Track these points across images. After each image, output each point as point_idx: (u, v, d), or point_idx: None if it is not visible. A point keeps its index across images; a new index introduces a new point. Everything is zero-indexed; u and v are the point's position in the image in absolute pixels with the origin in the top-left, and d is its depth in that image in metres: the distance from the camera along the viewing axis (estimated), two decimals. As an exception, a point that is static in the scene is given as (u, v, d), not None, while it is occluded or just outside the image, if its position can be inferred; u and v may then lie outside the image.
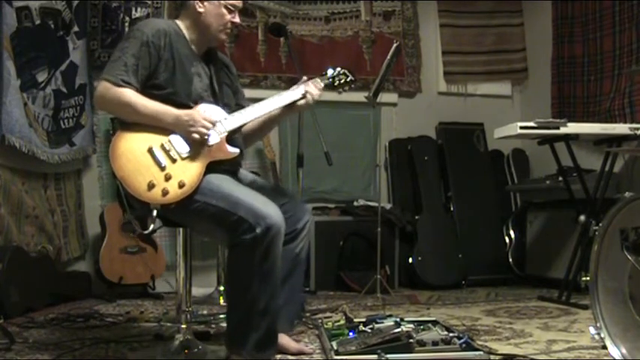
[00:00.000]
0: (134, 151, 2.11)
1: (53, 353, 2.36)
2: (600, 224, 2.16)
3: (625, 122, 3.85)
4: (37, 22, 3.67)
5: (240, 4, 2.37)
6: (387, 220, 4.43)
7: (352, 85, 2.56)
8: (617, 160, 3.68)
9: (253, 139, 2.61)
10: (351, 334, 2.43)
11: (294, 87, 2.43)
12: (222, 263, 4.04)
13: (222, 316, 3.05)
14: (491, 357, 2.22)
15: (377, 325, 2.48)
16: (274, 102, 2.36)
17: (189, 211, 2.11)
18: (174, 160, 2.12)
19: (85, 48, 4.26)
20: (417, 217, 4.70)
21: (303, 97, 2.38)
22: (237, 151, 2.27)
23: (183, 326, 2.36)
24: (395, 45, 3.50)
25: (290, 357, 2.34)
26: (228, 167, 2.28)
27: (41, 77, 3.71)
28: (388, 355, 2.07)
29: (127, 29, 4.40)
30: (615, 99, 4.11)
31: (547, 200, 4.42)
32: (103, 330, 2.88)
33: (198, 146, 2.16)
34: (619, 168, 3.92)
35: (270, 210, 2.04)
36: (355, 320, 2.65)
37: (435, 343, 2.16)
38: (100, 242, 4.04)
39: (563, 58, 4.71)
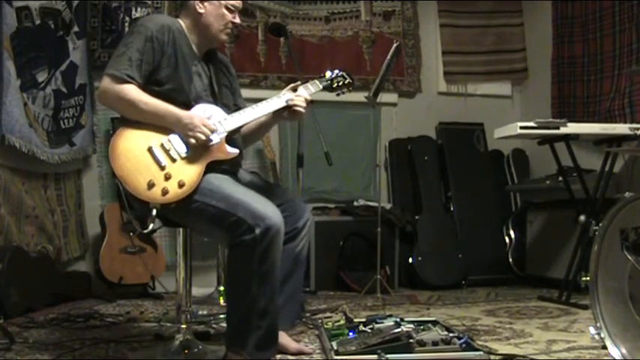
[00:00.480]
0: (133, 150, 2.11)
1: (53, 353, 2.36)
2: (600, 224, 2.16)
3: (625, 122, 3.85)
4: (37, 22, 3.66)
5: (240, 4, 2.37)
6: (387, 220, 4.42)
7: (351, 88, 2.55)
8: (617, 160, 3.68)
9: (252, 140, 2.61)
10: (351, 334, 2.43)
11: (283, 91, 2.40)
12: (222, 263, 4.04)
13: (222, 316, 3.05)
14: (491, 357, 2.22)
15: (377, 325, 2.49)
16: (274, 104, 2.35)
17: (189, 211, 2.11)
18: (174, 160, 2.12)
19: (85, 48, 4.25)
20: (417, 217, 4.69)
21: (288, 107, 2.35)
22: (236, 151, 2.27)
23: (183, 326, 2.36)
24: (395, 45, 3.51)
25: (290, 357, 2.34)
26: (228, 167, 2.28)
27: (41, 77, 3.70)
28: (388, 355, 2.07)
29: (127, 29, 4.40)
30: (615, 99, 4.10)
31: (547, 200, 4.42)
32: (103, 330, 2.88)
33: (198, 146, 2.15)
34: (619, 168, 3.92)
35: (269, 211, 2.04)
36: (355, 320, 2.65)
37: (435, 343, 2.16)
38: (100, 242, 4.04)
39: (563, 58, 4.71)
